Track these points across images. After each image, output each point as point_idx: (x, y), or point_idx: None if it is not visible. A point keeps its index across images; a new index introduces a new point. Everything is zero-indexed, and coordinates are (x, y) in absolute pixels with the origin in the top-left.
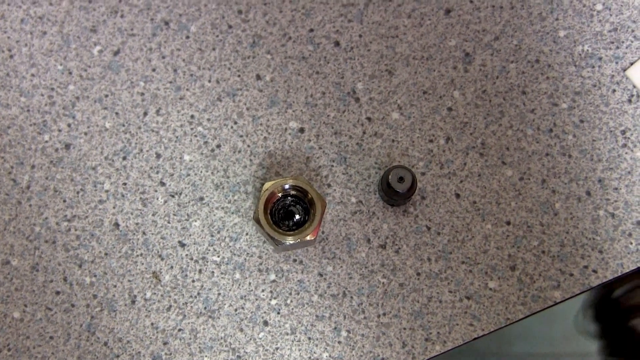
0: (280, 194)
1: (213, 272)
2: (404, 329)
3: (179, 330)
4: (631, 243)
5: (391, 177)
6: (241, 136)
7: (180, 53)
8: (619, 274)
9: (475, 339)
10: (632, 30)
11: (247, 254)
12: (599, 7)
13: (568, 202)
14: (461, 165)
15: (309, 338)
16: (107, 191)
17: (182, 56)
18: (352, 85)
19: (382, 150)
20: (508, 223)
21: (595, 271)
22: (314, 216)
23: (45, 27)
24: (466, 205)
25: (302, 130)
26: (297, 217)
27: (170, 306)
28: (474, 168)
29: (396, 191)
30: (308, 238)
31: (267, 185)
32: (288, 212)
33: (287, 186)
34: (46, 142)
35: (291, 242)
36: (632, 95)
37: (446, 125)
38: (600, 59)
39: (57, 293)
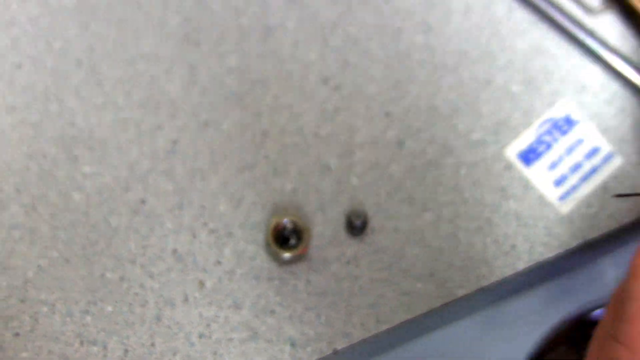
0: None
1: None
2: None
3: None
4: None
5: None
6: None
7: None
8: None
9: None
10: (507, 123)
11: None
12: (485, 110)
13: (467, 233)
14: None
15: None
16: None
17: None
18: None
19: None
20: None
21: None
22: (303, 240)
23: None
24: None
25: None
26: (292, 241)
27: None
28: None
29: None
30: (299, 254)
31: (273, 220)
32: (285, 238)
33: (285, 220)
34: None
35: (288, 256)
36: (507, 166)
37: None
38: (485, 141)
39: (136, 294)
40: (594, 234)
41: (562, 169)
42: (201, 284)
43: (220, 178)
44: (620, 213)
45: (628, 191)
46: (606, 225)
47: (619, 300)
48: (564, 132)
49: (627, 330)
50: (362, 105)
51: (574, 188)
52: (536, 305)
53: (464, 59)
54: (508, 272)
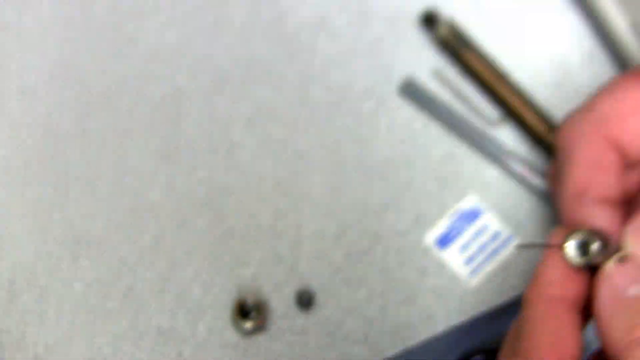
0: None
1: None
2: None
3: None
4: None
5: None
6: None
7: None
8: None
9: None
10: (425, 215)
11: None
12: (407, 206)
13: (395, 304)
14: None
15: None
16: None
17: None
18: None
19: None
20: None
21: None
22: (261, 314)
23: None
24: None
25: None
26: (252, 315)
27: None
28: None
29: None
30: (258, 324)
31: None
32: (247, 312)
33: (247, 298)
34: None
35: (249, 327)
36: (425, 250)
37: None
38: (408, 231)
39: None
40: (498, 301)
41: (471, 250)
42: (180, 354)
43: (195, 267)
44: (519, 285)
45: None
46: (507, 294)
47: (513, 336)
48: (471, 221)
49: None
50: (307, 205)
51: (481, 266)
52: (443, 346)
53: (390, 165)
54: (429, 335)
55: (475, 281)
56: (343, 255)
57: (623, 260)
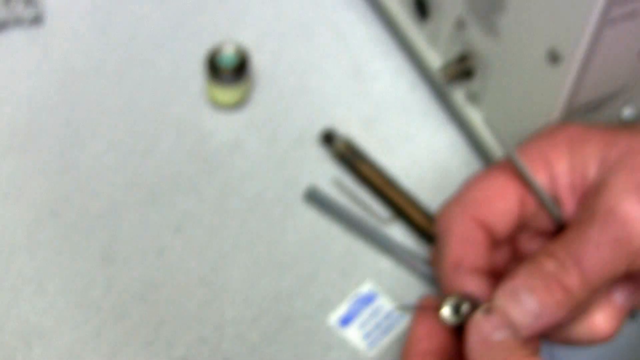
0: None
1: None
2: None
3: None
4: None
5: None
6: None
7: None
8: None
9: None
10: (329, 300)
11: None
12: (313, 292)
13: None
14: None
15: None
16: None
17: None
18: None
19: None
20: None
21: None
22: None
23: None
24: None
25: None
26: None
27: None
28: None
29: None
30: None
31: None
32: None
33: None
34: None
35: None
36: (329, 328)
37: None
38: (316, 314)
39: None
40: None
41: (368, 327)
42: None
43: (132, 353)
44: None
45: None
46: None
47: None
48: (368, 303)
49: None
50: (228, 296)
51: (378, 339)
52: None
53: (298, 259)
54: None
55: (373, 353)
56: (259, 335)
57: (489, 311)
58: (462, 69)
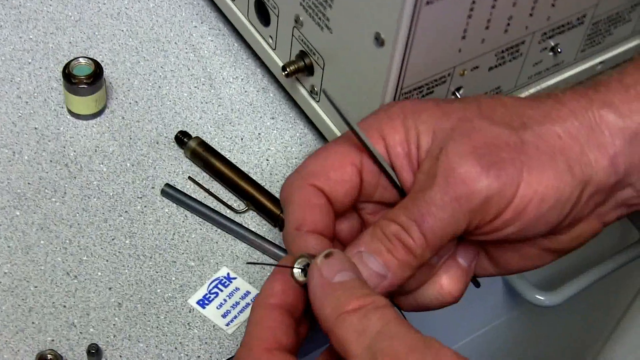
0: None
1: None
2: None
3: None
4: None
5: None
6: None
7: None
8: None
9: None
10: (189, 284)
11: None
12: (173, 278)
13: (169, 352)
14: None
15: None
16: None
17: None
18: None
19: None
20: None
21: None
22: None
23: None
24: None
25: None
26: None
27: None
28: None
29: None
30: None
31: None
32: None
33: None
34: None
35: None
36: (190, 309)
37: None
38: (176, 297)
39: None
40: None
41: (226, 307)
42: None
43: (3, 340)
44: None
45: None
46: None
47: None
48: (226, 285)
49: None
50: (93, 285)
51: (235, 317)
52: None
53: (158, 250)
54: None
55: (232, 329)
56: (123, 318)
57: (328, 256)
58: (303, 65)
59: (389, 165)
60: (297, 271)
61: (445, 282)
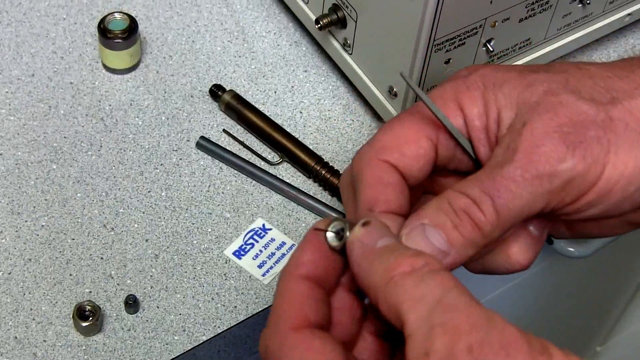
0: None
1: None
2: None
3: None
4: None
5: None
6: None
7: None
8: None
9: None
10: (224, 235)
11: None
12: (209, 229)
13: (205, 302)
14: None
15: None
16: None
17: None
18: None
19: None
20: None
21: None
22: (96, 316)
23: None
24: None
25: None
26: (90, 318)
27: None
28: None
29: None
30: (94, 324)
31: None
32: (85, 316)
33: (85, 303)
34: None
35: (86, 325)
36: (227, 260)
37: None
38: (211, 248)
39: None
40: None
41: (262, 258)
42: (35, 355)
43: (42, 291)
44: None
45: None
46: None
47: None
48: (261, 236)
49: None
50: (129, 237)
51: (271, 268)
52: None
53: (193, 201)
54: (233, 322)
55: (268, 280)
56: (160, 270)
57: (366, 224)
58: (336, 18)
59: (466, 140)
60: (330, 235)
61: (515, 250)
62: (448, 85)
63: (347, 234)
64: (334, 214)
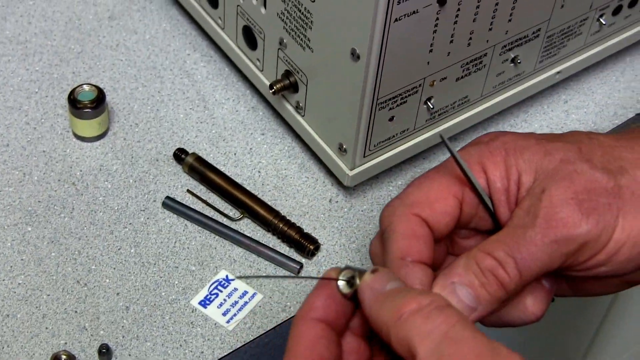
0: None
1: None
2: None
3: None
4: None
5: None
6: None
7: None
8: None
9: None
10: (191, 286)
11: None
12: (176, 282)
13: (173, 350)
14: None
15: None
16: None
17: None
18: None
19: None
20: None
21: None
22: None
23: None
24: None
25: None
26: None
27: None
28: None
29: None
30: None
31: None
32: None
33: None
34: None
35: None
36: (193, 309)
37: None
38: (179, 299)
39: None
40: (250, 338)
41: (226, 306)
42: None
43: (18, 347)
44: (264, 325)
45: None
46: (256, 332)
47: None
48: (225, 287)
49: None
50: (101, 291)
51: (235, 315)
52: None
53: (161, 256)
54: None
55: (232, 326)
56: (131, 320)
57: (374, 272)
58: (288, 83)
59: (489, 199)
60: (342, 283)
61: (530, 302)
62: (472, 150)
63: (358, 281)
64: (292, 264)
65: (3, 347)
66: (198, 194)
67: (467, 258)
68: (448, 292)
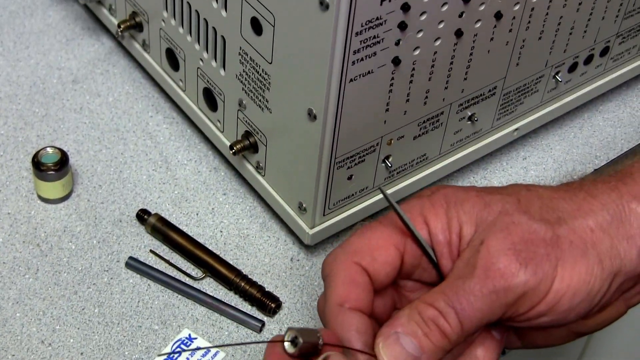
0: None
1: None
2: None
3: None
4: None
5: None
6: None
7: None
8: None
9: None
10: (138, 346)
11: None
12: (142, 347)
13: None
14: None
15: None
16: None
17: None
18: None
19: None
20: None
21: None
22: None
23: None
24: None
25: None
26: None
27: None
28: None
29: None
30: None
31: None
32: None
33: None
34: None
35: None
36: None
37: None
38: (142, 358)
39: None
40: None
41: None
42: None
43: None
44: None
45: None
46: None
47: None
48: (188, 345)
49: None
50: (66, 357)
51: None
52: None
53: (123, 320)
54: None
55: None
56: None
57: (326, 359)
58: (248, 144)
59: (432, 251)
60: (287, 344)
61: (481, 354)
62: (414, 202)
63: (301, 340)
64: (254, 323)
65: None
66: (161, 254)
67: (410, 309)
68: (392, 342)
